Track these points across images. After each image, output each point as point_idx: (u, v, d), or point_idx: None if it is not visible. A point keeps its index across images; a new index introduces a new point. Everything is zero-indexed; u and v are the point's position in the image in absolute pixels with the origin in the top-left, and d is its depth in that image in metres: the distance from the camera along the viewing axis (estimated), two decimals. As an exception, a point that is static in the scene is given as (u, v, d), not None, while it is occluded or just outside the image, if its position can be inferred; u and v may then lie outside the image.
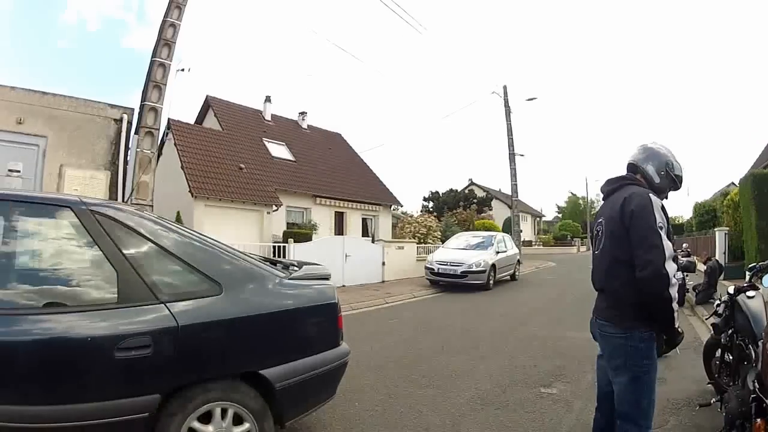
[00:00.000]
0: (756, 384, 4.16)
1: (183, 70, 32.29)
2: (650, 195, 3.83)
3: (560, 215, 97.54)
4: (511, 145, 36.97)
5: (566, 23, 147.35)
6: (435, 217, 38.29)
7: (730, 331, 5.99)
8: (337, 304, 5.02)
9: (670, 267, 3.59)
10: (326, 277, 5.27)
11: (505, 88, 36.96)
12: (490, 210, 56.30)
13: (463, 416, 6.26)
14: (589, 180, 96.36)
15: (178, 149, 24.64)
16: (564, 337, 11.21)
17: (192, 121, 32.49)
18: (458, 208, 47.13)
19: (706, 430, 5.78)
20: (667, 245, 3.65)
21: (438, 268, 21.24)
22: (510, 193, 38.81)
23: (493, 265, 21.57)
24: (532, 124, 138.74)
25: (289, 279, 4.79)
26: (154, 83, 14.70)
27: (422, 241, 29.97)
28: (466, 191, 63.09)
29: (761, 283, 5.63)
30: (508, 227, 40.55)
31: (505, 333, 11.92)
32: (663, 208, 3.85)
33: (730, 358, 6.01)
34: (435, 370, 8.41)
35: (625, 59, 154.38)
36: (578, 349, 9.76)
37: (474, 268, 20.63)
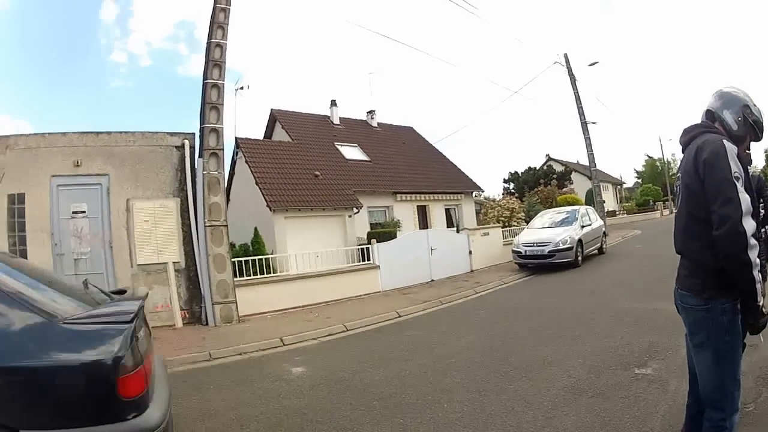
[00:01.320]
0: None
1: (242, 88, 32.54)
2: (724, 141, 3.38)
3: (640, 180, 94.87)
4: (581, 114, 35.34)
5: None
6: (517, 198, 37.63)
7: None
8: (117, 361, 3.42)
9: (748, 224, 3.13)
10: (125, 321, 3.68)
11: (566, 56, 35.32)
12: (571, 184, 55.19)
13: (556, 408, 5.91)
14: (663, 139, 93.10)
15: (250, 166, 24.48)
16: (656, 309, 10.49)
17: (261, 136, 32.44)
18: (539, 186, 46.16)
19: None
20: (745, 198, 3.18)
21: (525, 251, 20.54)
22: (588, 164, 37.27)
23: (580, 241, 20.69)
24: (598, 89, 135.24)
25: (64, 323, 3.53)
26: (211, 104, 14.46)
27: (507, 224, 29.12)
28: (545, 167, 61.67)
29: None
30: (591, 199, 39.24)
31: (596, 312, 11.41)
32: (740, 157, 3.35)
33: None
34: (526, 359, 8.09)
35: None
36: (671, 321, 8.43)
37: (561, 246, 19.79)
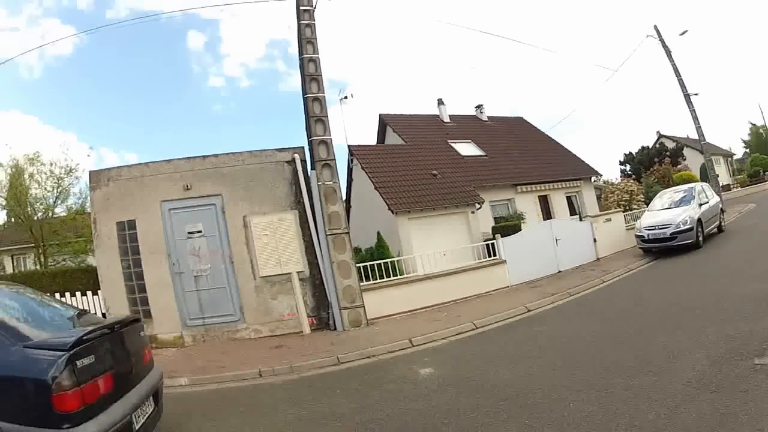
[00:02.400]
0: None
1: (346, 97, 32.65)
2: None
3: (747, 150, 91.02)
4: (682, 86, 33.54)
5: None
6: (634, 179, 36.46)
7: None
8: (52, 381, 4.23)
9: None
10: (63, 349, 4.41)
11: (656, 28, 33.54)
12: (684, 160, 53.32)
13: (678, 406, 5.57)
14: (763, 106, 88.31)
15: (366, 172, 24.55)
16: None
17: (373, 141, 32.70)
18: (653, 165, 44.80)
19: None
20: None
21: (648, 235, 19.44)
22: (698, 138, 35.32)
23: (699, 220, 19.28)
24: (695, 59, 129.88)
25: (24, 346, 4.50)
26: (315, 118, 14.55)
27: (627, 208, 28.17)
28: (657, 145, 60.20)
29: None
30: (705, 174, 37.57)
31: (720, 296, 10.69)
32: None
33: None
34: (652, 352, 7.71)
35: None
36: None
37: (682, 227, 18.62)
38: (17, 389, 4.31)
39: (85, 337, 4.64)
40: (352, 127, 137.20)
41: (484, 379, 7.62)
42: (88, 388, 4.48)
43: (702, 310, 9.74)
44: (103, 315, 13.65)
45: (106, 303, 13.70)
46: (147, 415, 5.46)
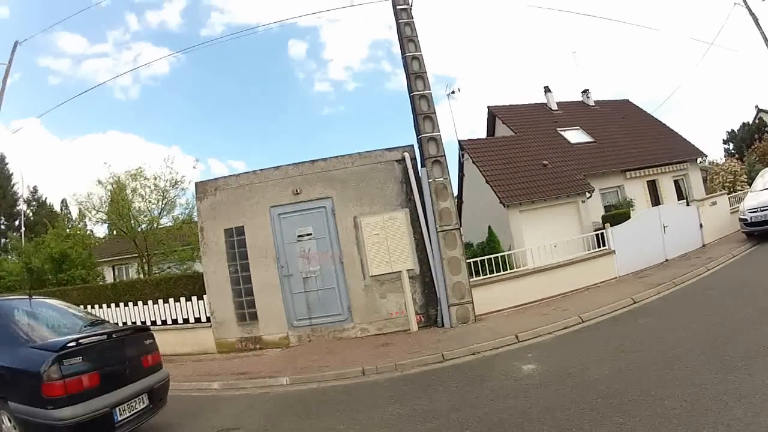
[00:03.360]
0: None
1: (453, 92, 32.61)
2: None
3: None
4: None
5: None
6: (737, 159, 34.97)
7: None
8: (40, 374, 5.78)
9: None
10: (53, 350, 5.95)
11: None
12: (785, 133, 50.45)
13: (766, 402, 5.42)
14: None
15: (477, 166, 24.68)
16: None
17: (483, 135, 32.56)
18: (754, 143, 43.11)
19: None
20: None
21: (750, 218, 18.56)
22: None
23: None
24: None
25: (28, 346, 6.18)
26: (423, 115, 14.61)
27: (731, 189, 27.30)
28: (756, 121, 57.19)
29: None
30: (805, 150, 35.49)
31: None
32: None
33: None
34: (750, 346, 7.46)
35: None
36: None
37: None
38: (23, 378, 5.94)
39: (72, 342, 6.07)
40: (461, 121, 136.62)
41: (584, 375, 7.64)
42: (72, 382, 5.90)
43: None
44: (208, 319, 14.52)
45: (212, 307, 14.43)
46: (136, 410, 6.76)
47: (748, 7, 31.87)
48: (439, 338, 12.08)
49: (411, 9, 15.20)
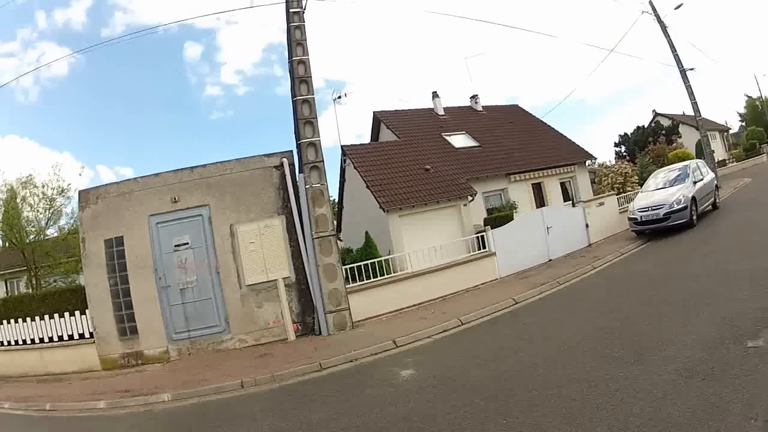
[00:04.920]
0: None
1: (340, 97, 32.73)
2: None
3: (743, 123, 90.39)
4: (678, 62, 33.64)
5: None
6: (629, 161, 36.48)
7: None
8: None
9: None
10: None
11: (651, 3, 33.57)
12: (679, 137, 53.23)
13: (665, 397, 5.45)
14: (758, 76, 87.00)
15: (359, 171, 24.65)
16: None
17: (368, 140, 32.90)
18: (648, 145, 44.77)
19: None
20: None
21: (640, 216, 19.26)
22: (693, 114, 35.23)
23: (693, 199, 19.10)
24: (690, 33, 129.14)
25: None
26: (304, 120, 14.60)
27: (621, 190, 28.28)
28: (653, 124, 60.39)
29: None
30: (700, 151, 37.75)
31: (713, 276, 10.68)
32: None
33: None
34: (641, 340, 7.61)
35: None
36: None
37: (675, 207, 18.43)
38: None
39: None
40: (349, 127, 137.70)
41: (465, 378, 7.66)
42: None
43: (693, 293, 9.73)
44: (91, 335, 13.95)
45: (94, 322, 13.87)
46: None
47: (656, 15, 33.15)
48: (316, 347, 12.14)
49: (303, 13, 15.24)
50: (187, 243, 14.00)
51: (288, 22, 15.07)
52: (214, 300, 13.91)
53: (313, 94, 14.94)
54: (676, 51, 33.33)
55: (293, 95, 14.86)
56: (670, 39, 33.38)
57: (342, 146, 27.00)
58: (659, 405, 5.27)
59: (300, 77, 14.77)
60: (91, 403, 10.26)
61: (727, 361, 6.00)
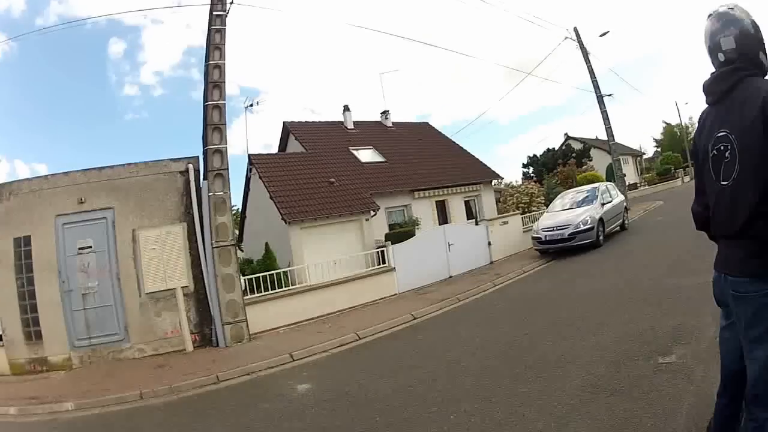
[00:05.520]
0: None
1: (252, 105, 32.33)
2: None
3: (659, 149, 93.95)
4: (596, 87, 35.12)
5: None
6: (536, 182, 37.19)
7: None
8: None
9: None
10: None
11: (576, 30, 34.95)
12: (590, 161, 55.19)
13: (571, 412, 5.48)
14: (680, 103, 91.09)
15: (263, 181, 24.44)
16: (681, 286, 10.08)
17: (276, 150, 32.82)
18: (558, 167, 45.78)
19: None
20: None
21: (545, 236, 20.05)
22: (606, 138, 36.87)
23: (601, 220, 20.12)
24: (612, 60, 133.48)
25: None
26: (213, 126, 14.48)
27: (526, 210, 28.95)
28: (564, 147, 61.78)
29: None
30: (611, 174, 39.05)
31: (618, 295, 10.93)
32: None
33: None
34: (542, 357, 7.69)
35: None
36: (697, 297, 8.71)
37: (581, 227, 19.26)
38: None
39: None
40: (260, 136, 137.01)
41: (362, 393, 7.67)
42: None
43: (597, 310, 9.99)
44: (0, 338, 13.40)
45: (3, 324, 13.36)
46: None
47: (580, 42, 34.12)
48: (214, 358, 12.09)
49: (226, 17, 15.11)
50: (90, 246, 13.63)
51: (210, 25, 14.97)
52: (115, 307, 13.59)
53: (224, 100, 14.89)
54: (595, 77, 35.00)
55: (205, 100, 14.70)
56: (590, 65, 35.01)
57: (249, 155, 26.92)
58: (564, 421, 5.34)
59: (214, 82, 14.70)
60: (3, 408, 10.05)
61: (636, 377, 6.07)
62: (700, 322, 7.44)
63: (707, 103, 3.23)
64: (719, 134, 3.03)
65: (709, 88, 3.18)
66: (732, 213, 2.98)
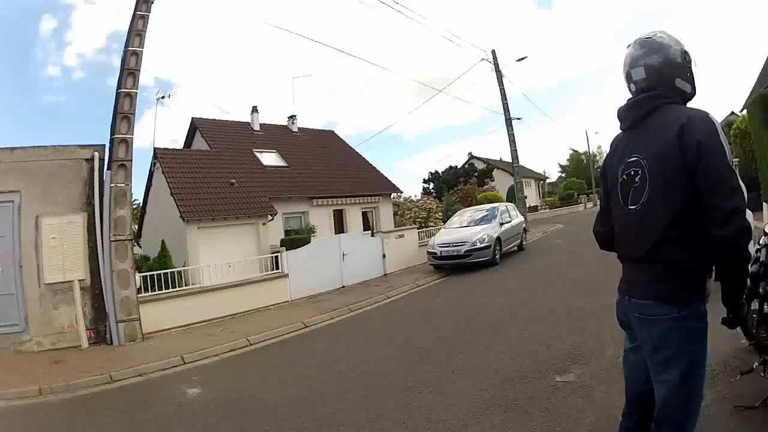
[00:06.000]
0: None
1: (163, 97, 32.14)
2: (711, 116, 2.82)
3: (563, 174, 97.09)
4: (506, 110, 36.08)
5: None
6: (435, 197, 37.57)
7: None
8: None
9: (749, 215, 2.70)
10: None
11: (493, 52, 36.35)
12: (492, 181, 55.75)
13: (465, 427, 5.54)
14: (590, 133, 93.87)
15: (166, 176, 24.27)
16: (578, 307, 10.46)
17: (182, 146, 32.50)
18: (459, 185, 46.46)
19: (751, 399, 4.84)
20: (743, 186, 2.69)
21: (440, 252, 20.48)
22: (511, 160, 38.03)
23: (498, 239, 20.80)
24: (527, 84, 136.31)
25: None
26: (122, 114, 14.29)
27: (424, 225, 29.36)
28: (466, 166, 62.46)
29: None
30: (512, 195, 39.99)
31: (514, 313, 11.31)
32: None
33: None
34: (435, 371, 7.76)
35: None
36: (594, 318, 9.17)
37: (478, 245, 19.83)
38: None
39: None
40: (168, 130, 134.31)
41: (251, 401, 7.63)
42: None
43: (492, 327, 10.20)
44: None
45: None
46: None
47: (496, 64, 34.95)
48: (108, 357, 11.89)
49: (152, 4, 14.87)
50: (-5, 230, 13.00)
51: (135, 9, 14.66)
52: (16, 296, 13.00)
53: (137, 89, 14.67)
54: (506, 100, 36.09)
55: (118, 87, 14.37)
56: (503, 88, 36.08)
57: (155, 149, 26.61)
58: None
59: (130, 69, 14.47)
60: None
61: (532, 394, 6.11)
62: (598, 342, 7.69)
63: (621, 128, 3.31)
64: (630, 159, 3.08)
65: (623, 114, 3.25)
66: (639, 237, 3.02)
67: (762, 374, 4.55)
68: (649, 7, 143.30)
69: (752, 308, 5.51)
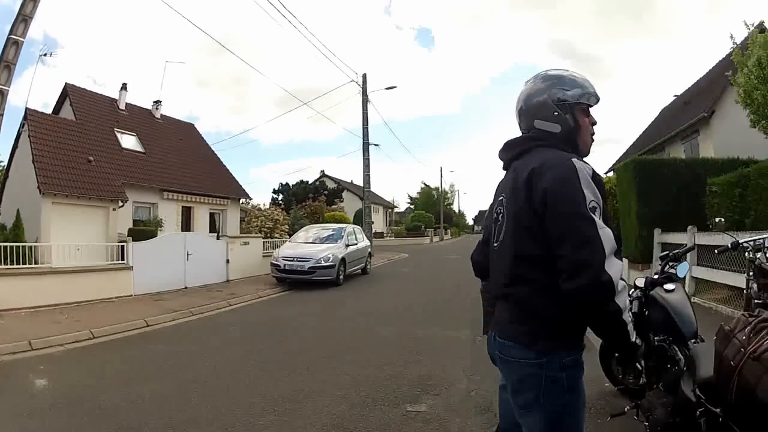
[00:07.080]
0: (700, 394, 3.47)
1: (46, 54, 31.51)
2: (573, 161, 2.60)
3: (413, 206, 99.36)
4: (365, 134, 37.69)
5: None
6: (283, 209, 38.05)
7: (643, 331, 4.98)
8: None
9: (614, 267, 2.39)
10: None
11: (364, 76, 37.52)
12: (341, 202, 57.00)
13: None
14: (445, 170, 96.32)
15: (31, 141, 23.73)
16: (426, 337, 10.73)
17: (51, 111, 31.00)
18: (308, 200, 47.10)
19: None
20: (607, 235, 2.44)
21: (284, 265, 20.59)
22: (362, 185, 39.09)
23: (343, 259, 21.36)
24: (391, 114, 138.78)
25: None
26: (5, 63, 14.12)
27: (269, 235, 29.52)
28: (317, 183, 63.53)
29: (676, 273, 5.21)
30: (360, 219, 40.76)
31: (357, 337, 11.33)
32: (596, 178, 2.60)
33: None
34: (280, 389, 7.44)
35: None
36: (444, 351, 9.37)
37: (323, 263, 20.25)
38: None
39: None
40: (44, 93, 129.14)
41: (96, 401, 7.16)
42: None
43: (336, 349, 10.04)
44: None
45: None
46: None
47: (364, 89, 36.46)
48: None
49: None
50: None
51: None
52: None
53: (24, 38, 14.38)
54: (367, 124, 37.30)
55: (11, 32, 14.10)
56: (366, 112, 37.30)
57: (27, 109, 25.21)
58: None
59: (24, 15, 14.20)
60: None
61: (384, 422, 5.96)
62: (450, 373, 7.71)
63: (502, 168, 3.16)
64: (499, 198, 3.01)
65: (500, 154, 3.15)
66: (497, 274, 2.97)
67: (636, 417, 4.55)
68: (528, 62, 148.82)
69: (616, 356, 5.66)
